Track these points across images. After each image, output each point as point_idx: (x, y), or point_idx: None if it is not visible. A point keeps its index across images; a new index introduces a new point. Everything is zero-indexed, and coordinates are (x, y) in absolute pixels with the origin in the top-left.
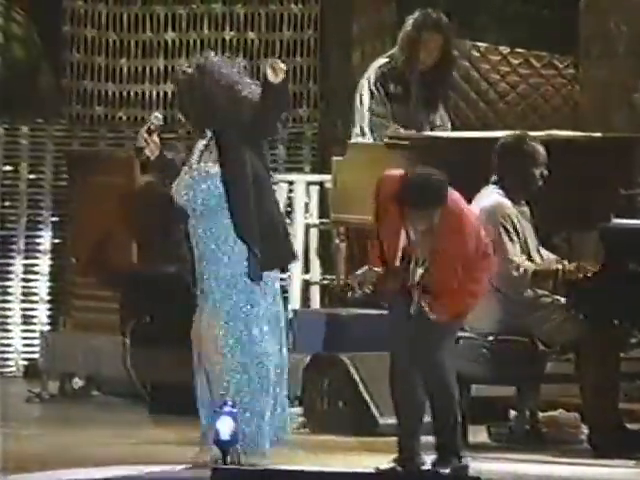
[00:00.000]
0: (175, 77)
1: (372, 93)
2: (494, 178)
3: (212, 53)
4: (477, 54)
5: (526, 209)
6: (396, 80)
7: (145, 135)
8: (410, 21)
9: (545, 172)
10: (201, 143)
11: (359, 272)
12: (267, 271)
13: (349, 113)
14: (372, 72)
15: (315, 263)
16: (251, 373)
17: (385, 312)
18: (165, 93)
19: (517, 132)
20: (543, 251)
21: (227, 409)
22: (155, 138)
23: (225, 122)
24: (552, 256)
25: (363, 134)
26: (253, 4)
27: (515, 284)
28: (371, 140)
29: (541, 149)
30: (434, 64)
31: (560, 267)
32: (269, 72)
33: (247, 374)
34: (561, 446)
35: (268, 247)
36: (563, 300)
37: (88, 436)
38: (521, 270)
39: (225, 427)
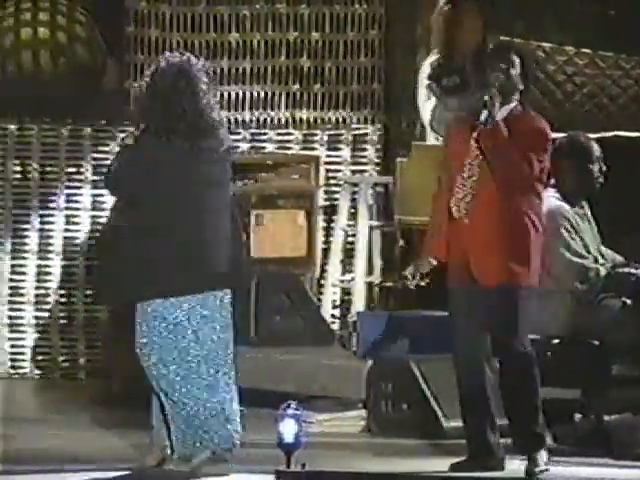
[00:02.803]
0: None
1: (427, 92)
2: (552, 181)
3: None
4: (543, 55)
5: (586, 210)
6: (449, 72)
7: None
8: (440, 4)
9: (603, 168)
10: None
11: (414, 263)
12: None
13: (413, 114)
14: (425, 68)
15: (377, 265)
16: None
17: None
18: (229, 94)
19: (569, 132)
20: (607, 252)
21: (290, 411)
22: None
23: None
24: (617, 257)
25: (425, 130)
26: (317, 4)
27: (575, 278)
28: (434, 136)
29: (595, 145)
30: (478, 47)
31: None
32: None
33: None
34: (627, 449)
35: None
36: (629, 302)
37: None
38: (592, 266)
39: (288, 430)
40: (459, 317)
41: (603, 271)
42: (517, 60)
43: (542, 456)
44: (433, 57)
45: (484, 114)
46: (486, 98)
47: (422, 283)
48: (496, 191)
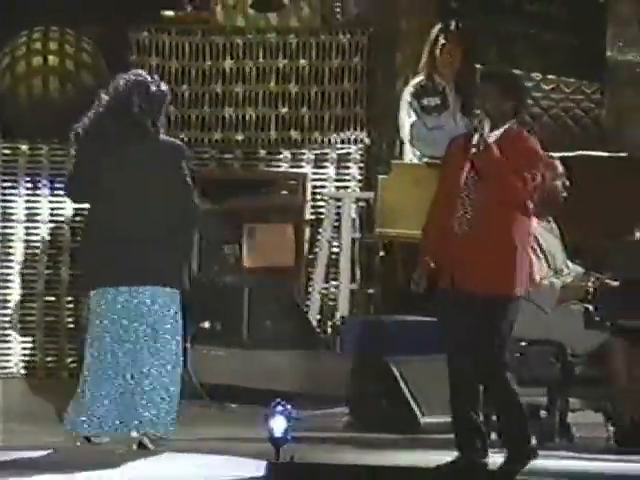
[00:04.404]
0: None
1: (408, 109)
2: None
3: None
4: None
5: (553, 225)
6: (430, 93)
7: None
8: (434, 30)
9: (567, 183)
10: None
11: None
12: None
13: (393, 134)
14: (407, 90)
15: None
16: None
17: (424, 318)
18: (223, 116)
19: None
20: (571, 265)
21: (280, 408)
22: None
23: None
24: (579, 269)
25: (403, 147)
26: (304, 34)
27: (543, 299)
28: (411, 152)
29: (558, 162)
30: (461, 72)
31: (584, 284)
32: None
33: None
34: (587, 443)
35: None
36: (591, 308)
37: None
38: (546, 283)
39: (278, 425)
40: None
41: (559, 283)
42: (507, 86)
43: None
44: (418, 78)
45: (476, 137)
46: (476, 123)
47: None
48: (491, 208)
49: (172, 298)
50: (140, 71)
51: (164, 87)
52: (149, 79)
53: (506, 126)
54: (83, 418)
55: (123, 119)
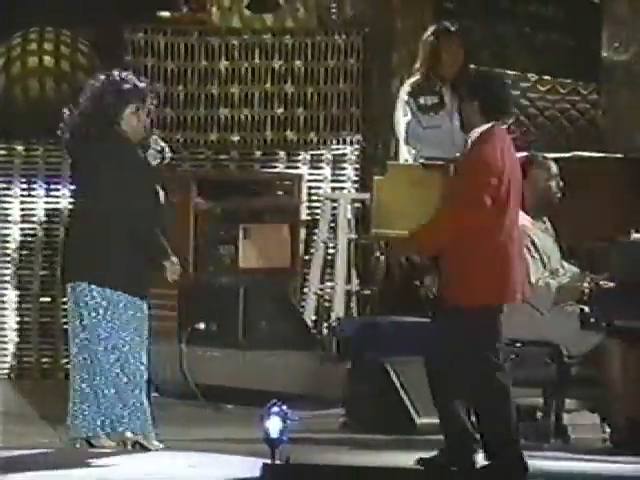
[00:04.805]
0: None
1: (404, 107)
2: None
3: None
4: (507, 81)
5: (548, 225)
6: (427, 92)
7: None
8: (429, 31)
9: (561, 184)
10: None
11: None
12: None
13: (389, 135)
14: (404, 89)
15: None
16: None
17: (421, 319)
18: (219, 117)
19: (528, 153)
20: (567, 266)
21: (275, 409)
22: None
23: None
24: (575, 269)
25: (399, 148)
26: (300, 35)
27: (538, 300)
28: (407, 151)
29: (552, 163)
30: (458, 73)
31: (579, 285)
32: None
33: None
34: (583, 444)
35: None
36: (586, 309)
37: None
38: (541, 284)
39: (274, 426)
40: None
41: (555, 284)
42: (470, 86)
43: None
44: (415, 78)
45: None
46: (466, 137)
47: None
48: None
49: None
50: (116, 71)
51: (141, 84)
52: (119, 78)
53: (482, 128)
54: (82, 420)
55: (92, 120)
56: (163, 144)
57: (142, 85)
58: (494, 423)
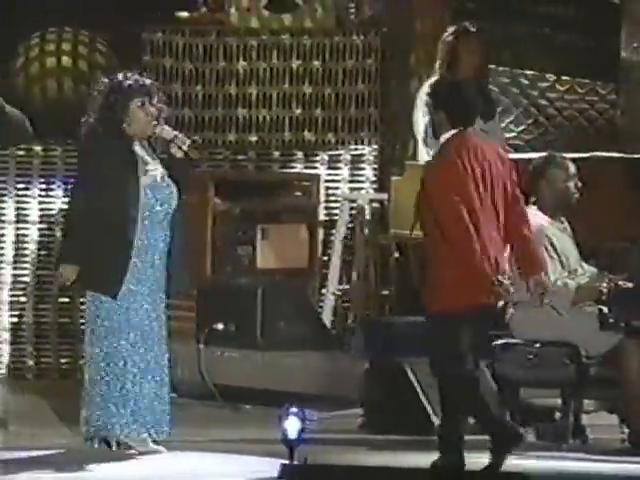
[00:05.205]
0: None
1: (423, 108)
2: (533, 199)
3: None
4: (526, 81)
5: (566, 225)
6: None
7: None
8: (449, 31)
9: (579, 184)
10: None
11: None
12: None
13: (407, 136)
14: (423, 89)
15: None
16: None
17: None
18: (237, 118)
19: (546, 153)
20: (585, 266)
21: (294, 410)
22: None
23: None
24: (593, 269)
25: (417, 148)
26: (318, 35)
27: (557, 300)
28: (426, 152)
29: (570, 163)
30: (478, 74)
31: (598, 285)
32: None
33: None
34: (601, 445)
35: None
36: (605, 309)
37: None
38: (560, 284)
39: (292, 426)
40: None
41: (574, 284)
42: (436, 95)
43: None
44: (434, 78)
45: None
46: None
47: None
48: None
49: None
50: (121, 73)
51: (145, 80)
52: (122, 77)
53: (448, 134)
54: (98, 421)
55: (100, 121)
56: (175, 132)
57: (146, 81)
58: (472, 411)
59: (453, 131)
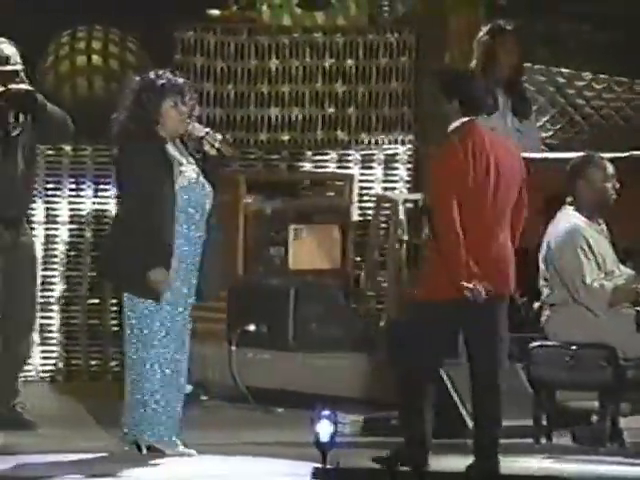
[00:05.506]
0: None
1: None
2: (569, 199)
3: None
4: (563, 80)
5: (603, 227)
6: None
7: None
8: (484, 30)
9: (617, 185)
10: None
11: None
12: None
13: (441, 135)
14: None
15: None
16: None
17: None
18: (269, 117)
19: (585, 153)
20: (622, 267)
21: (326, 412)
22: None
23: None
24: (630, 271)
25: None
26: (352, 33)
27: (593, 301)
28: None
29: (608, 164)
30: (513, 73)
31: (635, 286)
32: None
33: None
34: (639, 448)
35: None
36: None
37: (200, 437)
38: (596, 285)
39: (324, 429)
40: None
41: (610, 286)
42: (446, 85)
43: None
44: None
45: None
46: None
47: None
48: None
49: None
50: (151, 72)
51: (178, 79)
52: (154, 76)
53: (455, 124)
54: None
55: (132, 120)
56: (206, 129)
57: (178, 80)
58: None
59: (463, 119)
